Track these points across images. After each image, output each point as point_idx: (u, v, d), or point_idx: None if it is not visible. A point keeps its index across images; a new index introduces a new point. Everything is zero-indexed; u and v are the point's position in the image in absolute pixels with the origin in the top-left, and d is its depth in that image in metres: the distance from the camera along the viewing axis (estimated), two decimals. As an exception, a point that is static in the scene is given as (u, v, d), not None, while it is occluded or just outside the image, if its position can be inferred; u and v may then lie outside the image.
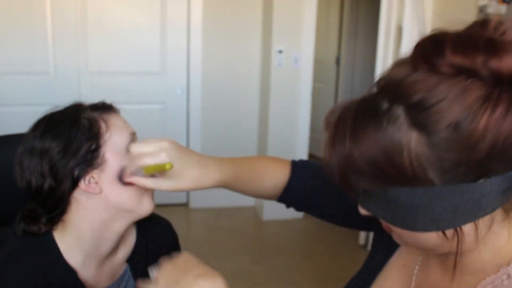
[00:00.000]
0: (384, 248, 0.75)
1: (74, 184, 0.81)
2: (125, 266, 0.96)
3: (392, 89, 0.53)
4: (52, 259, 0.85)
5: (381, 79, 0.55)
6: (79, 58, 3.21)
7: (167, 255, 1.04)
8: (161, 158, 0.75)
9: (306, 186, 0.88)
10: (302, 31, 3.20)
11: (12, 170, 0.84)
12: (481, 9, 2.37)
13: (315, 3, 3.18)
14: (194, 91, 3.40)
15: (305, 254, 3.02)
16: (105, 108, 0.86)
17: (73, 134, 0.81)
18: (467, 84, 0.49)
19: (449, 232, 0.54)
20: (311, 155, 3.70)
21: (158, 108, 3.42)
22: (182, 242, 1.11)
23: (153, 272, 0.66)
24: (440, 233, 0.54)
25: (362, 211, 0.60)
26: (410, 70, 0.53)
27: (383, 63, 2.75)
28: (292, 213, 3.12)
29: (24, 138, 0.83)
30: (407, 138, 0.50)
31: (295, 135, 3.37)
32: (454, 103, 0.49)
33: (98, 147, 0.81)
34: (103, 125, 0.83)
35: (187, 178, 0.76)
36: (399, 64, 0.55)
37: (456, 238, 0.54)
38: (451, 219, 0.52)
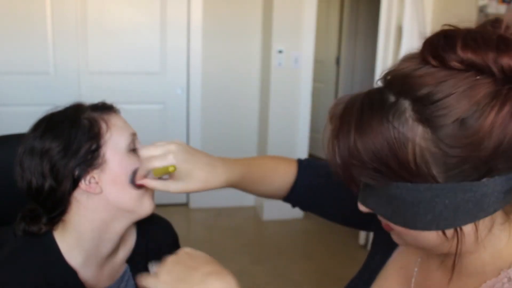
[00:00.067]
0: (384, 248, 0.75)
1: (75, 184, 0.81)
2: (125, 266, 0.96)
3: (399, 82, 0.52)
4: (52, 259, 0.85)
5: (388, 73, 0.55)
6: (79, 58, 3.21)
7: (167, 255, 1.04)
8: (168, 160, 0.77)
9: (311, 185, 0.88)
10: (302, 31, 3.20)
11: (12, 170, 0.84)
12: (481, 9, 2.37)
13: (315, 3, 3.18)
14: (194, 91, 3.40)
15: (305, 254, 3.02)
16: (105, 108, 0.86)
17: (73, 134, 0.81)
18: (476, 80, 0.49)
19: (449, 232, 0.54)
20: (311, 155, 3.70)
21: (158, 108, 3.42)
22: (182, 242, 1.11)
23: (153, 267, 0.64)
24: (440, 232, 0.54)
25: (362, 207, 0.60)
26: (419, 64, 0.52)
27: (383, 63, 2.75)
28: (292, 213, 3.13)
29: (24, 138, 0.83)
30: (412, 133, 0.50)
31: (295, 135, 3.37)
32: (462, 99, 0.48)
33: (98, 147, 0.81)
34: (103, 125, 0.83)
35: (196, 179, 0.77)
36: (407, 58, 0.55)
37: (455, 239, 0.54)
38: (452, 218, 0.52)
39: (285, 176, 0.89)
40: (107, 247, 0.88)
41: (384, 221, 0.59)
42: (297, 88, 3.29)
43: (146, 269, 0.98)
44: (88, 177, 0.81)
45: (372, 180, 0.54)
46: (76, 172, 0.80)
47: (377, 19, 2.82)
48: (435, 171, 0.50)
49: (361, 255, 2.86)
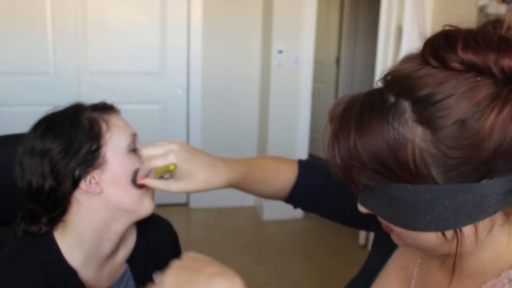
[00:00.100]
0: (384, 249, 0.75)
1: (75, 184, 0.81)
2: (125, 266, 0.96)
3: (399, 83, 0.52)
4: (53, 259, 0.85)
5: (388, 74, 0.55)
6: (79, 58, 3.21)
7: (167, 255, 1.04)
8: (169, 159, 0.76)
9: (311, 185, 0.88)
10: (302, 31, 3.20)
11: (12, 170, 0.84)
12: (481, 9, 2.37)
13: (315, 3, 3.18)
14: (194, 91, 3.40)
15: (305, 254, 3.02)
16: (105, 108, 0.86)
17: (73, 134, 0.81)
18: (476, 81, 0.49)
19: (449, 233, 0.54)
20: (311, 155, 3.70)
21: (158, 108, 3.42)
22: (182, 242, 1.11)
23: (157, 277, 0.62)
24: (439, 234, 0.54)
25: (361, 208, 0.59)
26: (419, 65, 0.52)
27: (383, 63, 2.75)
28: (292, 213, 3.12)
29: (24, 138, 0.83)
30: (412, 134, 0.50)
31: (295, 135, 3.37)
32: (462, 100, 0.48)
33: (99, 148, 0.81)
34: (103, 126, 0.83)
35: (197, 179, 0.77)
36: (407, 59, 0.54)
37: (455, 240, 0.54)
38: (452, 219, 0.52)
39: (286, 176, 0.89)
40: (107, 247, 0.88)
41: (384, 222, 0.59)
42: (297, 88, 3.29)
43: (146, 269, 0.98)
44: (88, 177, 0.81)
45: (372, 181, 0.54)
46: (77, 172, 0.80)
47: (377, 19, 2.82)
48: (434, 172, 0.50)
49: (361, 255, 2.86)
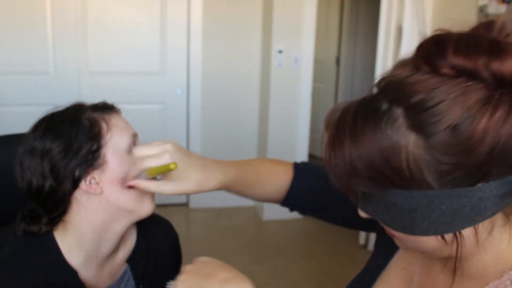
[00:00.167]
0: (385, 250, 0.75)
1: (75, 184, 0.81)
2: (125, 266, 0.96)
3: (392, 89, 0.52)
4: (53, 259, 0.85)
5: (381, 80, 0.55)
6: (79, 58, 3.21)
7: (167, 255, 1.04)
8: (164, 160, 0.75)
9: (311, 188, 0.87)
10: (302, 31, 3.20)
11: (12, 170, 0.84)
12: (481, 9, 2.37)
13: (315, 3, 3.18)
14: (194, 91, 3.40)
15: (305, 254, 3.02)
16: (106, 108, 0.86)
17: (73, 134, 0.80)
18: (467, 86, 0.48)
19: (449, 236, 0.54)
20: (311, 155, 3.70)
21: (158, 108, 3.42)
22: (182, 242, 1.11)
23: (171, 286, 0.62)
24: (439, 237, 0.54)
25: (362, 214, 0.60)
26: (411, 71, 0.52)
27: (383, 63, 2.75)
28: (292, 213, 3.12)
29: (24, 138, 0.83)
30: (405, 140, 0.50)
31: (295, 135, 3.37)
32: (454, 105, 0.48)
33: (99, 148, 0.81)
34: (104, 126, 0.83)
35: (189, 181, 0.76)
36: (400, 64, 0.54)
37: (455, 242, 0.54)
38: (450, 223, 0.52)
39: (280, 179, 0.88)
40: (107, 247, 0.88)
41: (385, 227, 0.59)
42: (297, 88, 3.29)
43: (146, 269, 0.98)
44: (88, 178, 0.81)
45: (368, 188, 0.54)
46: (77, 173, 0.80)
47: (377, 19, 2.82)
48: (429, 178, 0.50)
49: (361, 255, 2.86)
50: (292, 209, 0.91)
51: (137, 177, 0.81)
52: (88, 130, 0.81)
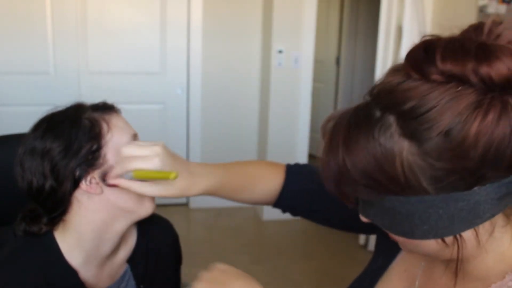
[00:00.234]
0: (387, 251, 0.75)
1: (75, 184, 0.81)
2: (125, 266, 0.96)
3: (384, 97, 0.52)
4: (53, 259, 0.85)
5: (374, 87, 0.55)
6: (79, 58, 3.21)
7: (167, 255, 1.04)
8: (154, 163, 0.73)
9: (303, 190, 0.87)
10: (302, 31, 3.20)
11: (12, 170, 0.83)
12: (481, 9, 2.37)
13: (315, 3, 3.18)
14: (194, 91, 3.40)
15: (305, 254, 3.02)
16: (106, 108, 0.86)
17: (74, 134, 0.80)
18: (458, 91, 0.48)
19: (449, 239, 0.54)
20: (311, 155, 3.70)
21: (158, 108, 3.42)
22: (182, 242, 1.11)
23: None
24: (439, 240, 0.54)
25: (363, 218, 0.60)
26: (403, 78, 0.52)
27: (383, 63, 2.75)
28: (292, 213, 3.12)
29: (25, 138, 0.83)
30: (399, 147, 0.50)
31: (295, 135, 3.37)
32: (445, 111, 0.48)
33: (99, 148, 0.81)
34: (104, 126, 0.83)
35: (174, 186, 0.75)
36: (393, 71, 0.54)
37: (456, 245, 0.54)
38: (449, 226, 0.52)
39: (270, 183, 0.87)
40: (107, 247, 0.88)
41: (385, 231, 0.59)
42: (297, 88, 3.29)
43: (146, 269, 0.98)
44: (88, 178, 0.81)
45: (365, 195, 0.54)
46: (77, 173, 0.80)
47: (377, 19, 2.82)
48: (424, 183, 0.50)
49: (361, 255, 2.86)
50: (284, 211, 0.91)
51: (120, 175, 0.78)
52: (88, 130, 0.81)
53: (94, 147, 0.81)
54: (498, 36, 0.50)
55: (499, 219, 0.55)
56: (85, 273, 0.87)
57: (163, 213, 1.06)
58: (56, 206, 0.83)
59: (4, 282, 0.80)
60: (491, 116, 0.47)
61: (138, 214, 0.87)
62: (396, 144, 0.50)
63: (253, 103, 3.52)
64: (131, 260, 0.96)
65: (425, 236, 0.53)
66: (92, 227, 0.85)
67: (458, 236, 0.53)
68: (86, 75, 3.25)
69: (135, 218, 0.87)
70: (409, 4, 2.56)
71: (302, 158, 3.39)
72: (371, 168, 0.51)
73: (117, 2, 3.20)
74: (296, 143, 3.38)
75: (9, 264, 0.83)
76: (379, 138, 0.50)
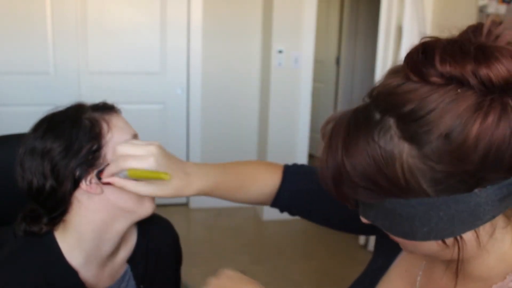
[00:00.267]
0: (387, 252, 0.75)
1: (75, 184, 0.81)
2: (125, 266, 0.96)
3: (384, 99, 0.52)
4: (53, 259, 0.85)
5: (374, 89, 0.55)
6: (79, 58, 3.21)
7: (168, 255, 1.04)
8: (149, 163, 0.73)
9: (301, 191, 0.87)
10: (302, 31, 3.20)
11: (12, 170, 0.83)
12: (481, 9, 2.37)
13: (315, 3, 3.18)
14: (194, 91, 3.40)
15: (305, 254, 3.02)
16: (106, 108, 0.86)
17: (74, 134, 0.80)
18: (457, 93, 0.48)
19: (449, 240, 0.54)
20: (311, 155, 3.70)
21: (158, 108, 3.42)
22: (182, 242, 1.11)
23: None
24: (439, 241, 0.54)
25: (363, 220, 0.60)
26: (402, 80, 0.52)
27: (383, 63, 2.75)
28: (292, 213, 3.12)
29: (25, 138, 0.83)
30: (399, 150, 0.50)
31: (295, 135, 3.37)
32: (444, 113, 0.48)
33: (99, 148, 0.81)
34: (104, 126, 0.83)
35: (168, 186, 0.75)
36: (392, 73, 0.54)
37: (457, 246, 0.54)
38: (449, 228, 0.52)
39: (266, 183, 0.87)
40: (107, 247, 0.88)
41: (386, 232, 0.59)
42: (297, 88, 3.29)
43: (146, 269, 0.98)
44: (89, 178, 0.81)
45: (364, 197, 0.54)
46: (77, 173, 0.80)
47: (377, 19, 2.82)
48: (425, 186, 0.50)
49: (361, 255, 2.86)
50: (282, 211, 0.91)
51: (115, 174, 0.78)
52: (88, 130, 0.81)
53: (94, 147, 0.81)
54: (497, 37, 0.50)
55: (499, 220, 0.55)
56: (85, 273, 0.87)
57: (163, 213, 1.06)
58: (56, 206, 0.83)
59: (4, 282, 0.80)
60: (491, 118, 0.47)
61: (138, 214, 0.87)
62: (396, 147, 0.50)
63: (253, 103, 3.52)
64: (131, 260, 0.96)
65: (425, 237, 0.53)
66: (92, 227, 0.85)
67: (458, 237, 0.53)
68: (86, 75, 3.25)
69: (135, 218, 0.87)
70: (409, 4, 2.56)
71: (302, 158, 3.39)
72: (371, 171, 0.51)
73: (117, 2, 3.20)
74: (296, 143, 3.38)
75: (9, 264, 0.83)
76: (379, 140, 0.50)
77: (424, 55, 0.50)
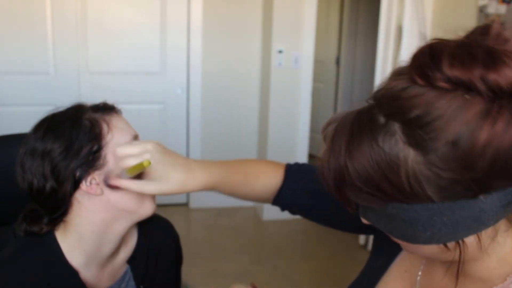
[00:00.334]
0: (387, 252, 0.75)
1: (76, 185, 0.81)
2: (126, 266, 0.96)
3: (389, 103, 0.50)
4: (53, 259, 0.85)
5: (378, 91, 0.53)
6: (79, 58, 3.21)
7: (168, 255, 1.04)
8: (145, 159, 0.74)
9: (303, 190, 0.87)
10: (302, 31, 3.20)
11: (13, 170, 0.83)
12: (481, 9, 2.37)
13: (315, 3, 3.18)
14: (194, 91, 3.40)
15: (305, 254, 3.02)
16: (106, 109, 0.86)
17: (74, 135, 0.80)
18: (465, 99, 0.47)
19: (451, 244, 0.53)
20: (311, 155, 3.70)
21: (158, 108, 3.42)
22: (182, 242, 1.11)
23: None
24: (441, 244, 0.53)
25: (364, 221, 0.59)
26: (407, 83, 0.50)
27: (383, 63, 2.75)
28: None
29: (25, 139, 0.83)
30: (404, 155, 0.48)
31: (295, 135, 3.37)
32: (452, 120, 0.46)
33: (99, 149, 0.81)
34: (104, 127, 0.83)
35: (172, 181, 0.75)
36: (396, 74, 0.53)
37: (458, 249, 0.54)
38: (452, 233, 0.51)
39: (269, 180, 0.87)
40: (108, 248, 0.88)
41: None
42: (297, 88, 3.29)
43: (146, 269, 0.98)
44: (89, 178, 0.81)
45: (367, 202, 0.53)
46: (77, 173, 0.80)
47: (377, 19, 2.82)
48: (430, 192, 0.49)
49: (361, 255, 2.86)
50: (283, 209, 0.91)
51: (119, 176, 0.80)
52: (88, 131, 0.81)
53: (95, 148, 0.81)
54: (506, 40, 0.48)
55: (501, 224, 0.55)
56: (86, 273, 0.87)
57: (163, 213, 1.06)
58: (56, 207, 0.83)
59: (4, 282, 0.80)
60: (499, 125, 0.45)
61: (139, 214, 0.87)
62: (401, 152, 0.48)
63: (253, 103, 3.52)
64: (132, 260, 0.96)
65: (427, 241, 0.53)
66: (93, 228, 0.85)
67: (460, 241, 0.53)
68: (86, 75, 3.25)
69: (135, 219, 0.88)
70: (409, 4, 2.56)
71: (302, 158, 3.39)
72: (375, 176, 0.50)
73: (117, 2, 3.20)
74: (296, 143, 3.38)
75: (10, 264, 0.83)
76: (384, 145, 0.49)
77: (431, 59, 0.49)
